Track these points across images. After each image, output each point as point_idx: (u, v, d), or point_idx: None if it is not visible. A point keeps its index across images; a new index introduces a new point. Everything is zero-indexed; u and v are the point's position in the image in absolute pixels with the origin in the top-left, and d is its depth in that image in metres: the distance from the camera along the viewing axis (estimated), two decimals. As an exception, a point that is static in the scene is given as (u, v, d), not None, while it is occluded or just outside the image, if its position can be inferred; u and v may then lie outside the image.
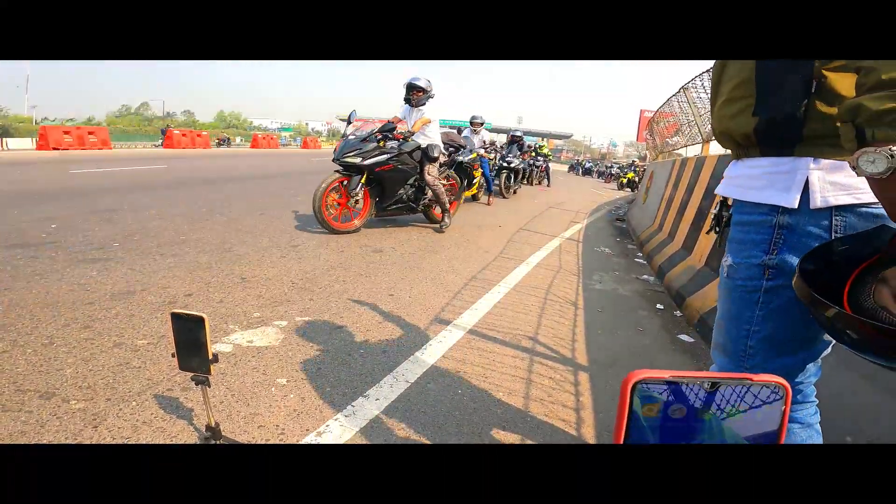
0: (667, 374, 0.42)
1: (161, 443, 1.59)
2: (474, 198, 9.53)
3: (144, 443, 1.59)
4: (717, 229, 1.18)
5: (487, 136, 9.31)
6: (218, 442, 1.42)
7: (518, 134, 12.29)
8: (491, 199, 9.61)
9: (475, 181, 8.80)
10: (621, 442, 0.43)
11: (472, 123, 9.78)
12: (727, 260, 1.01)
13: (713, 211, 1.16)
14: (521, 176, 12.47)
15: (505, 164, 11.13)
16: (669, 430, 0.44)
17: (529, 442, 1.82)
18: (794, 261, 0.89)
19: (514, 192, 12.04)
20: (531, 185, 15.53)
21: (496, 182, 10.79)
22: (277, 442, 1.66)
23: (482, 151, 9.03)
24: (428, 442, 1.75)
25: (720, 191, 1.07)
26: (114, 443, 1.57)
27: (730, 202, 1.08)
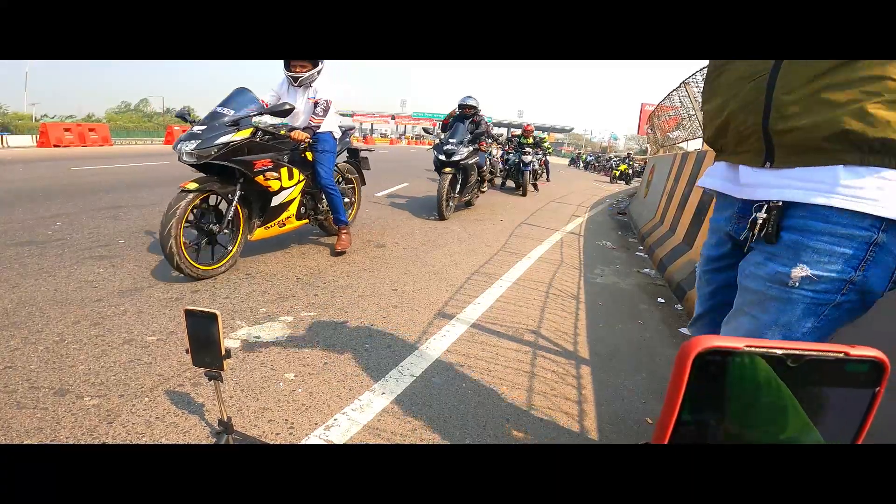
0: (741, 343, 0.35)
1: (174, 437, 1.63)
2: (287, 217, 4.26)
3: (153, 442, 1.63)
4: (755, 234, 1.00)
5: (329, 91, 4.00)
6: (230, 436, 1.45)
7: (471, 103, 7.18)
8: (344, 237, 4.25)
9: (276, 197, 3.68)
10: (672, 422, 0.37)
11: (289, 66, 3.90)
12: (802, 270, 0.91)
13: (762, 215, 0.97)
14: (475, 178, 7.21)
15: (444, 159, 6.43)
16: (734, 410, 0.38)
17: (533, 436, 1.86)
18: (876, 279, 0.88)
19: (469, 204, 7.74)
20: (521, 189, 10.65)
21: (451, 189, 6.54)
22: (287, 436, 1.70)
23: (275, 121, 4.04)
24: (435, 435, 1.79)
25: (797, 197, 0.92)
26: (128, 438, 1.61)
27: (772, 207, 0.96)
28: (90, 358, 2.10)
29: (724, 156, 1.10)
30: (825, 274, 0.90)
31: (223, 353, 1.30)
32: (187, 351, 1.32)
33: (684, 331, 3.09)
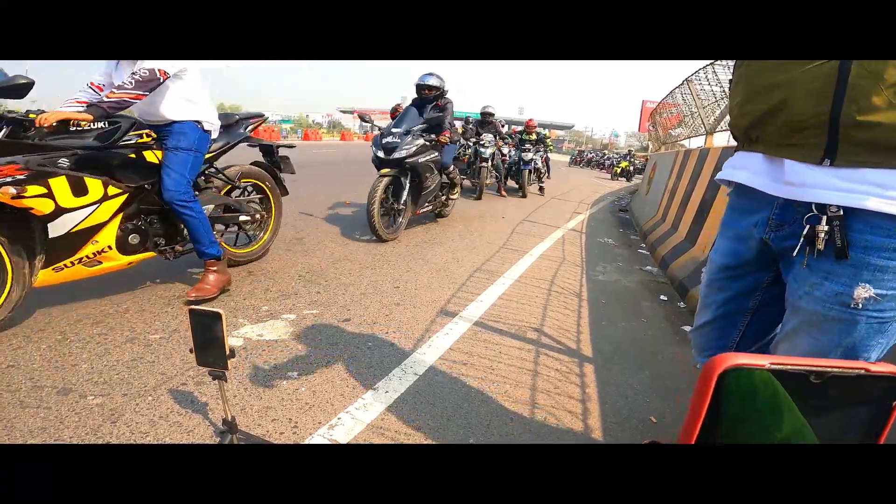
0: (765, 361, 0.36)
1: (178, 437, 1.63)
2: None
3: (157, 442, 1.62)
4: (814, 250, 0.89)
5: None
6: (235, 435, 1.45)
7: (430, 82, 5.27)
8: (211, 277, 2.85)
9: (53, 225, 2.32)
10: (693, 440, 0.38)
11: None
12: (865, 291, 0.84)
13: (824, 227, 0.86)
14: (434, 182, 5.23)
15: (383, 156, 4.69)
16: (754, 426, 0.38)
17: (537, 434, 1.85)
18: None
19: (439, 216, 6.12)
20: (521, 190, 9.90)
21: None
22: (291, 435, 1.69)
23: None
24: (438, 433, 1.78)
25: (867, 204, 0.82)
26: (132, 437, 1.61)
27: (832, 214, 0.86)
28: (93, 356, 2.09)
29: (759, 147, 0.97)
30: (889, 292, 0.83)
31: (228, 352, 1.30)
32: (191, 350, 1.32)
33: (687, 328, 3.08)
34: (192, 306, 1.30)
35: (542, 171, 11.06)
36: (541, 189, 10.87)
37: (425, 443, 1.73)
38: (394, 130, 4.77)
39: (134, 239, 2.70)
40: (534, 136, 10.49)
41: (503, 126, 11.17)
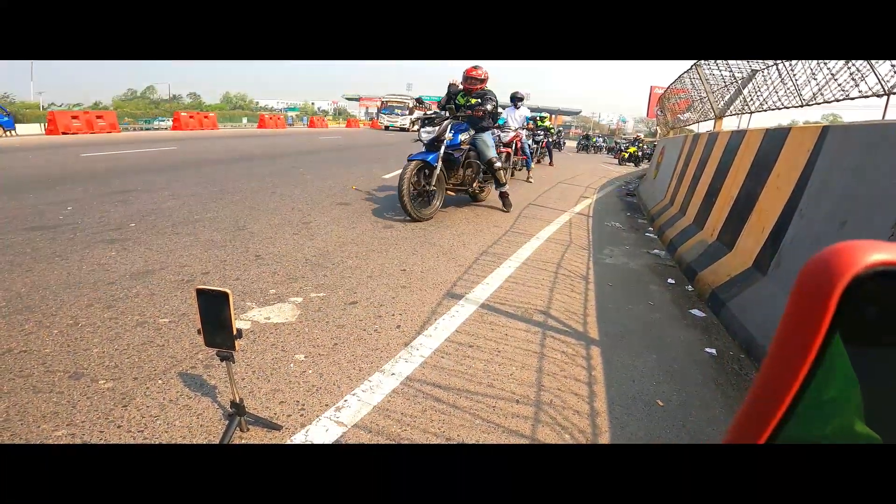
0: None
1: (188, 420, 1.65)
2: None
3: (166, 425, 1.64)
4: None
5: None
6: (243, 418, 1.47)
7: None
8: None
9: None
10: (787, 402, 0.24)
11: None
12: None
13: None
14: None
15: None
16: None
17: (543, 417, 1.86)
18: None
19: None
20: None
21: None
22: (298, 417, 1.71)
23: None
24: (444, 416, 1.79)
25: None
26: (143, 420, 1.63)
27: None
28: (104, 341, 2.12)
29: None
30: None
31: (235, 332, 1.31)
32: (199, 331, 1.33)
33: (695, 312, 3.07)
34: (200, 286, 1.31)
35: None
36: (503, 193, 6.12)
37: (431, 426, 1.74)
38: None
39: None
40: (473, 101, 5.54)
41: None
